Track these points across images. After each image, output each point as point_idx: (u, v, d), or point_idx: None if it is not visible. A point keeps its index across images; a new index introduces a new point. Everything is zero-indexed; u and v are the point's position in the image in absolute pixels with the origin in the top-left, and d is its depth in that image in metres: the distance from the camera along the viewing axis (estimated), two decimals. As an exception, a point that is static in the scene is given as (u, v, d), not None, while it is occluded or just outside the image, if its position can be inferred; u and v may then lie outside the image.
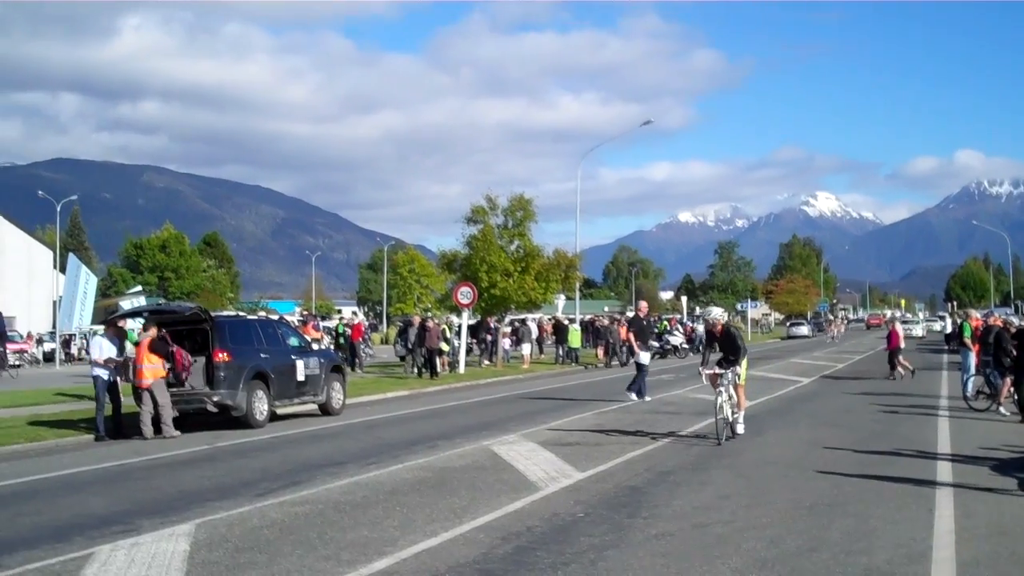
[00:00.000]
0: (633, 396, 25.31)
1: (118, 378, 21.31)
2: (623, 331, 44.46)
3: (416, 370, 38.43)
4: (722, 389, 17.19)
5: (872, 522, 10.45)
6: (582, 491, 12.61)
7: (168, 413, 20.42)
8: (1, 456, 17.89)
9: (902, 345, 34.81)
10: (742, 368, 17.87)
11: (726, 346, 17.94)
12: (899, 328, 35.74)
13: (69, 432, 20.71)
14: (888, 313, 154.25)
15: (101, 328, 41.16)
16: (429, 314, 59.67)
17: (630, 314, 76.02)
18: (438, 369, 37.84)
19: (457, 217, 45.40)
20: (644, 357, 26.03)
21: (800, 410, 23.16)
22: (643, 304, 28.66)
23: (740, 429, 17.86)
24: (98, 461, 17.10)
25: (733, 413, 17.62)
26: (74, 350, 57.53)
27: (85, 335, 50.77)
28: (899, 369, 33.84)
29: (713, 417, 17.23)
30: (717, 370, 17.55)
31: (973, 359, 25.76)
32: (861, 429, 19.02)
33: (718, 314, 18.95)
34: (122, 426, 20.87)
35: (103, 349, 21.33)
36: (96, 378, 21.04)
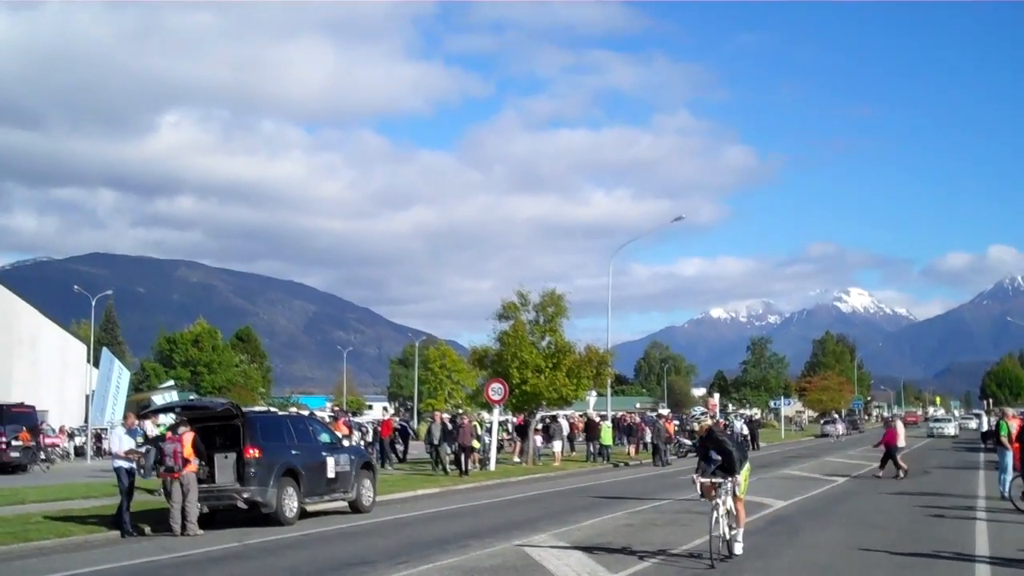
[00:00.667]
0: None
1: (139, 471, 21.28)
2: (670, 427, 44.06)
3: (441, 467, 38.03)
4: (718, 502, 15.04)
5: (911, 628, 10.25)
6: (614, 593, 12.44)
7: (194, 511, 20.37)
8: (30, 552, 17.88)
9: (900, 444, 34.94)
10: (742, 477, 15.67)
11: (716, 450, 15.72)
12: (899, 427, 35.88)
13: (99, 528, 20.64)
14: (924, 412, 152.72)
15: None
16: (461, 411, 59.55)
17: (664, 411, 75.81)
18: (468, 466, 37.62)
19: (489, 313, 45.48)
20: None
21: (835, 510, 22.86)
22: (712, 400, 27.16)
23: (738, 549, 15.52)
24: (127, 558, 17.05)
25: (731, 529, 15.45)
26: (105, 444, 57.60)
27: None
28: (897, 469, 33.85)
29: (708, 533, 14.99)
30: (713, 479, 15.40)
31: (1011, 458, 25.36)
32: (897, 530, 18.75)
33: (699, 414, 16.85)
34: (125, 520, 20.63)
35: (123, 441, 21.39)
36: (118, 470, 21.07)
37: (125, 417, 23.11)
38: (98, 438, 58.43)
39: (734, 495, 15.48)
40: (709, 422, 17.91)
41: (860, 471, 37.23)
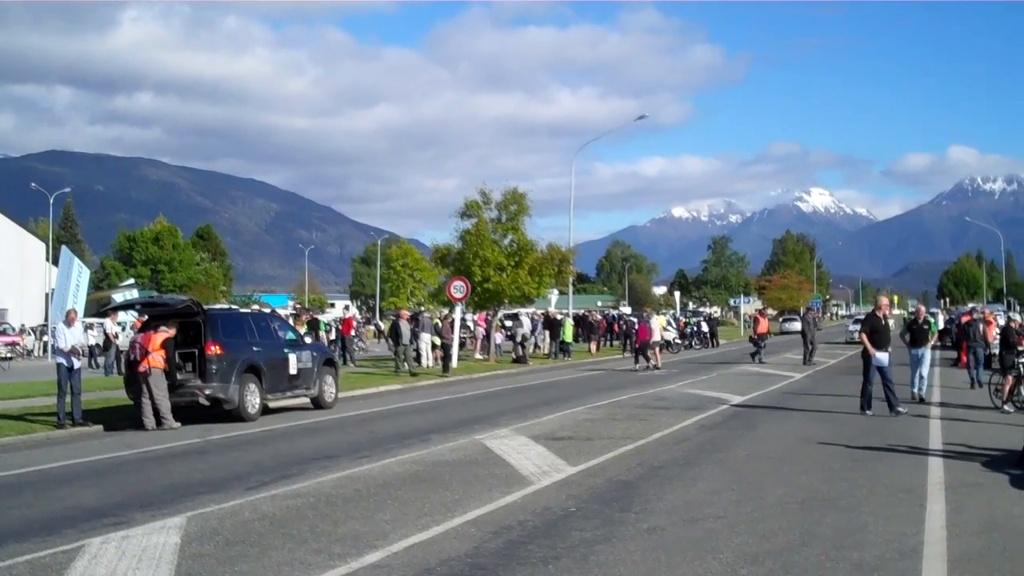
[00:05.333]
0: (869, 412, 20.73)
1: (76, 366, 21.13)
2: (764, 323, 43.97)
3: (406, 365, 37.56)
4: None
5: (864, 517, 10.45)
6: (573, 485, 12.60)
7: (166, 405, 20.48)
8: (-8, 448, 17.87)
9: (654, 339, 38.61)
10: None
11: None
12: (653, 323, 39.21)
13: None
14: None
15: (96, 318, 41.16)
16: (422, 308, 59.54)
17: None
18: (430, 362, 37.70)
19: (452, 211, 45.48)
20: (883, 357, 21.06)
21: (792, 405, 23.14)
22: (883, 299, 23.56)
23: None
24: (89, 454, 17.07)
25: None
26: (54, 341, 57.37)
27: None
28: (649, 361, 38.09)
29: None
30: None
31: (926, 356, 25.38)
32: (853, 425, 19.00)
33: None
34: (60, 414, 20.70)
35: (67, 337, 21.24)
36: (59, 365, 21.01)
37: (67, 313, 22.86)
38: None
39: None
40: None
41: (819, 367, 37.70)
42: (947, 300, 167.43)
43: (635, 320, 47.64)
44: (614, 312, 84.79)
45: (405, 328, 37.71)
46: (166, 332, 20.95)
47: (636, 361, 38.94)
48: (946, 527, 9.95)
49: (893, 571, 8.43)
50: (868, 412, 20.55)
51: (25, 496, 12.96)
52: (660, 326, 40.15)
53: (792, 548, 9.20)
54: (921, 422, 19.40)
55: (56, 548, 9.61)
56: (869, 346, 21.17)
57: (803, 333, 43.11)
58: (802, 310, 64.54)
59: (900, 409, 20.49)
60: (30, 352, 57.15)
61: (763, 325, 42.69)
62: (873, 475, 13.15)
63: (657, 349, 38.83)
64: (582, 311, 67.02)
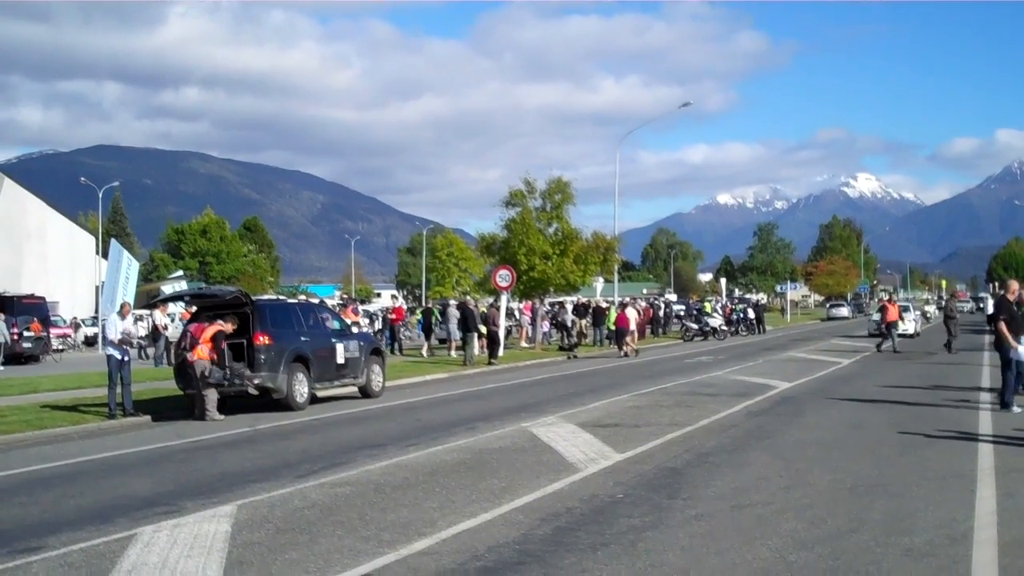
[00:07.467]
0: (1017, 408, 18.38)
1: (126, 357, 21.27)
2: (893, 310, 42.72)
3: (481, 352, 37.35)
4: None
5: (913, 503, 10.39)
6: (621, 472, 12.59)
7: (213, 397, 20.60)
8: (46, 439, 18.09)
9: (631, 328, 40.44)
10: None
11: None
12: (630, 312, 41.02)
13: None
14: (929, 295, 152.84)
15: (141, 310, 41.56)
16: (468, 296, 59.64)
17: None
18: (476, 351, 37.71)
19: (496, 201, 45.56)
20: (1021, 351, 18.64)
21: (840, 391, 22.99)
22: (1014, 283, 20.25)
23: None
24: (140, 443, 17.25)
25: None
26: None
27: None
28: (625, 348, 39.89)
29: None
30: None
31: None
32: (902, 410, 18.86)
33: None
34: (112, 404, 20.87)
35: (118, 329, 21.37)
36: (110, 357, 21.14)
37: (121, 306, 23.02)
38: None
39: None
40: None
41: (864, 353, 37.43)
42: (996, 285, 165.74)
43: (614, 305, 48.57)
44: (659, 300, 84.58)
45: (473, 317, 37.00)
46: (220, 326, 21.06)
47: (619, 347, 40.48)
48: (996, 512, 9.87)
49: (943, 557, 8.37)
50: (1016, 409, 18.22)
51: (78, 485, 13.12)
52: (634, 316, 41.73)
53: (841, 534, 9.15)
54: (971, 408, 19.21)
55: (109, 536, 9.73)
56: (1010, 337, 18.72)
57: (946, 320, 41.41)
58: (946, 295, 65.18)
59: (1016, 409, 18.27)
60: (76, 345, 57.75)
61: (892, 313, 41.11)
62: (922, 461, 13.07)
63: (632, 337, 40.61)
64: (626, 298, 66.88)
